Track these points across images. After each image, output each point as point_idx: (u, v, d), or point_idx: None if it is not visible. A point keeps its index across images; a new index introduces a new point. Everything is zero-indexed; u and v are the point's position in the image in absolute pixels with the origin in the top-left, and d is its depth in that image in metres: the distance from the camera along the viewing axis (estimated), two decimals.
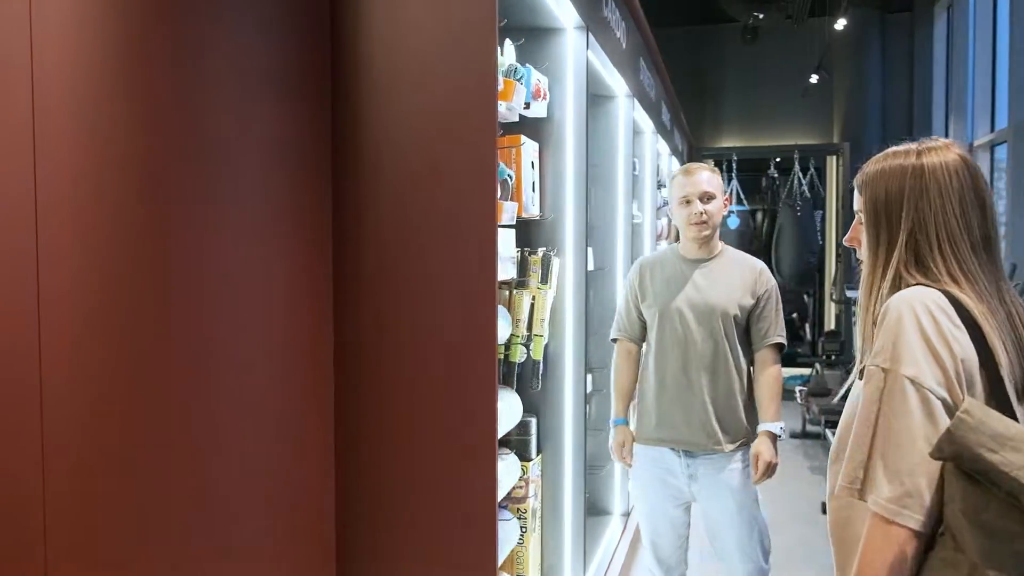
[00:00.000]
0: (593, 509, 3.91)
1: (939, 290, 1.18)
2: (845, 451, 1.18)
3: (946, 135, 8.59)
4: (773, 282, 2.69)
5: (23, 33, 1.24)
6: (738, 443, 2.63)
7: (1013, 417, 1.13)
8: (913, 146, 1.29)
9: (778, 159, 9.00)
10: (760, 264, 2.72)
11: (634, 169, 4.74)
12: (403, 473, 1.70)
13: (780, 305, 2.69)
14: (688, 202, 2.65)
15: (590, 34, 2.83)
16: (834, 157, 9.05)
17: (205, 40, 1.38)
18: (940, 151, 1.25)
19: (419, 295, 1.65)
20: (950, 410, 1.11)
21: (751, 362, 2.67)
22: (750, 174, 9.50)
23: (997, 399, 1.13)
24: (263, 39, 1.51)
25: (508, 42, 2.37)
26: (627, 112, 3.96)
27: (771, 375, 2.62)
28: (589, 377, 3.91)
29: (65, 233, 1.28)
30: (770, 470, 2.55)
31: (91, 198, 1.29)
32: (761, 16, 9.17)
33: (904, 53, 9.40)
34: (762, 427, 2.59)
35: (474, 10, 1.59)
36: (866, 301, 1.28)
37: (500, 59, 2.22)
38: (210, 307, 1.42)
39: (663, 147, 6.07)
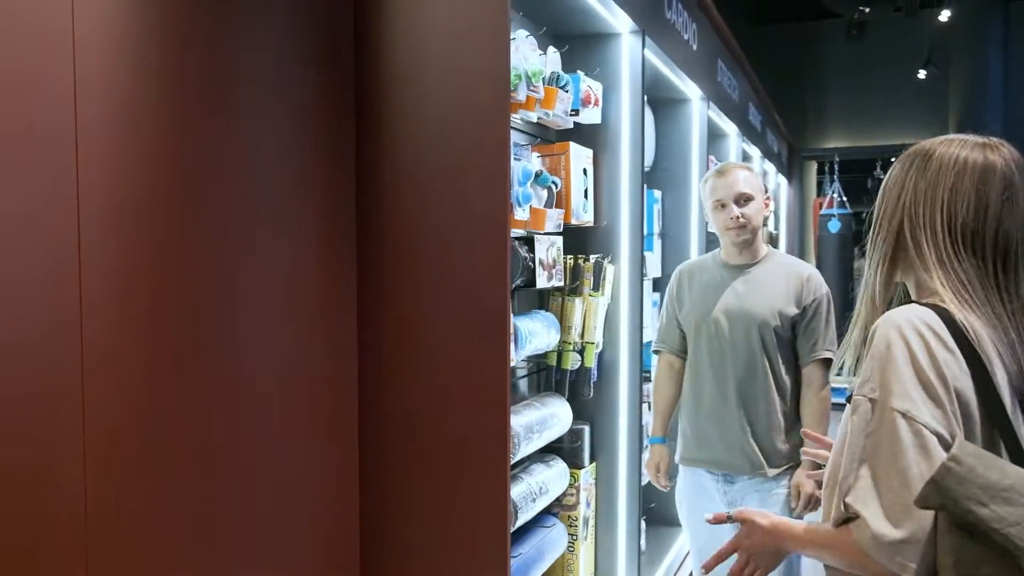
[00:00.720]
0: (662, 519, 3.83)
1: (930, 307, 1.10)
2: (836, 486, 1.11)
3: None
4: (824, 290, 2.46)
5: (66, 54, 1.33)
6: (782, 468, 2.43)
7: (1013, 437, 1.04)
8: (953, 136, 1.21)
9: (883, 159, 8.56)
10: (809, 269, 2.51)
11: None
12: (421, 477, 1.73)
13: (832, 316, 2.47)
14: (723, 205, 2.47)
15: (648, 38, 2.79)
16: None
17: (237, 51, 1.45)
18: (967, 146, 1.17)
19: (434, 301, 1.68)
20: (947, 446, 1.02)
21: (797, 379, 2.46)
22: (855, 175, 9.09)
23: (995, 420, 1.05)
24: (292, 49, 1.58)
25: (552, 49, 2.37)
26: (701, 115, 3.88)
27: (817, 395, 2.41)
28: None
29: (106, 241, 1.36)
30: (812, 503, 2.36)
31: (131, 209, 1.36)
32: (867, 10, 8.76)
33: None
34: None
35: (486, 15, 1.61)
36: (870, 306, 1.20)
37: (541, 67, 2.23)
38: (242, 313, 1.49)
39: (753, 150, 5.90)
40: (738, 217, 2.43)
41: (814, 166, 9.57)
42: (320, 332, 1.66)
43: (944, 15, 7.15)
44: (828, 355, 2.41)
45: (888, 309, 1.15)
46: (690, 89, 3.71)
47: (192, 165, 1.39)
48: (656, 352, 2.75)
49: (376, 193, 1.71)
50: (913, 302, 1.14)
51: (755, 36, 9.04)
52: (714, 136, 4.83)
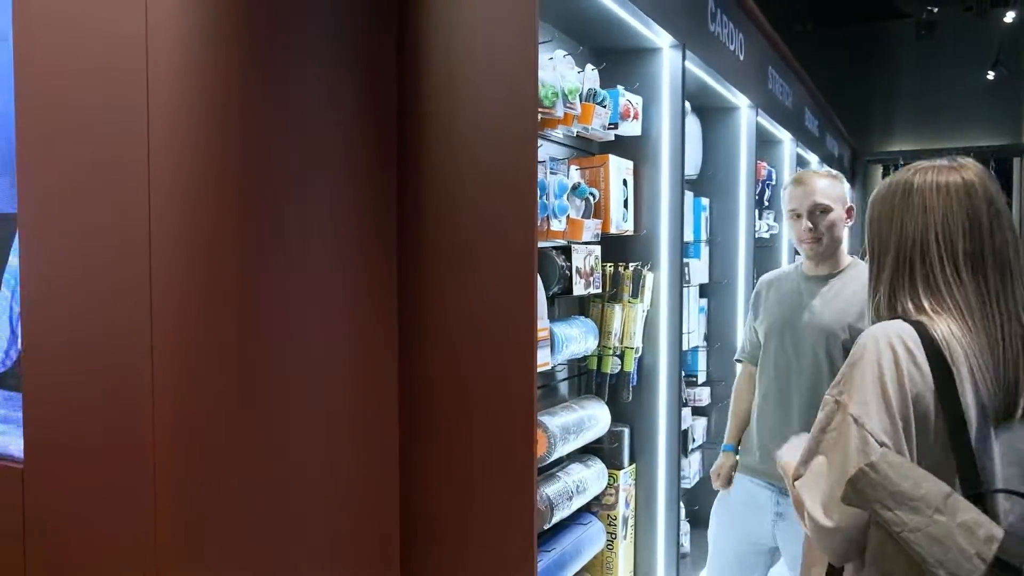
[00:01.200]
0: (705, 521, 3.88)
1: (911, 323, 1.17)
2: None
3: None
4: None
5: (141, 74, 1.48)
6: None
7: (968, 453, 1.11)
8: (923, 164, 1.28)
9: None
10: None
11: (769, 179, 4.65)
12: (454, 477, 1.86)
13: None
14: (798, 216, 2.38)
15: (689, 51, 2.87)
16: (1020, 159, 8.27)
17: (288, 67, 1.60)
18: (942, 171, 1.24)
19: (471, 310, 1.80)
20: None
21: None
22: None
23: (952, 435, 1.12)
24: (342, 77, 1.73)
25: (589, 67, 2.47)
26: (749, 123, 3.92)
27: None
28: (708, 391, 3.91)
29: (175, 242, 1.50)
30: None
31: (199, 215, 1.50)
32: (936, 10, 8.57)
33: None
34: None
35: (515, 32, 1.73)
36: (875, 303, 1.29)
37: (578, 84, 2.34)
38: (294, 316, 1.63)
39: (810, 156, 5.87)
40: (810, 229, 2.34)
41: (879, 170, 9.39)
42: (363, 338, 1.80)
43: (1009, 16, 6.95)
44: None
45: None
46: (737, 98, 3.75)
47: (250, 174, 1.53)
48: (738, 361, 2.72)
49: (414, 210, 1.85)
50: (899, 317, 1.21)
51: (821, 38, 8.93)
52: (767, 143, 4.85)
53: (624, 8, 2.46)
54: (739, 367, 2.74)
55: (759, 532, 2.46)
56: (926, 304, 1.19)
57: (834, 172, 2.51)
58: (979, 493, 1.09)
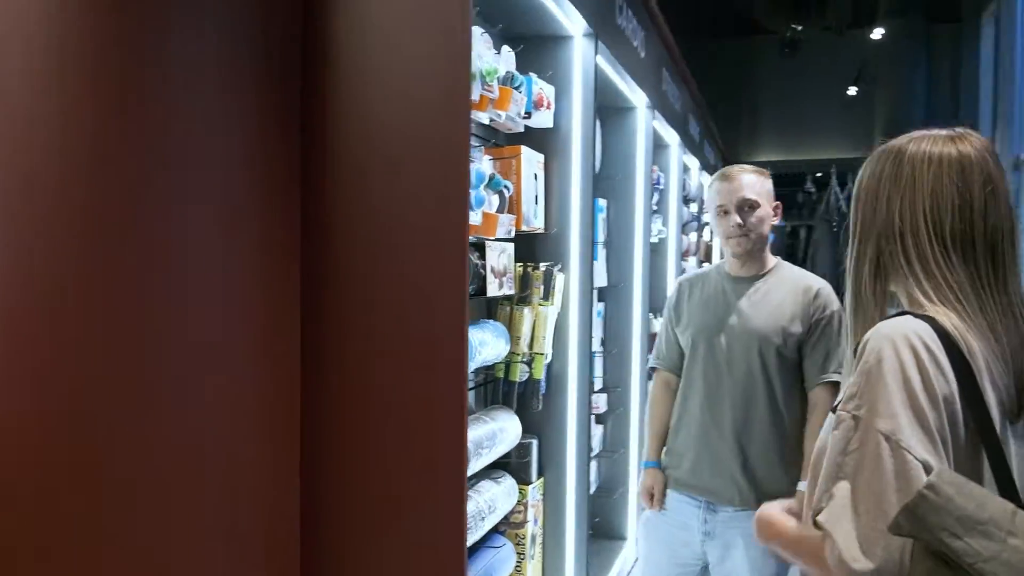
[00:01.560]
0: (606, 533, 3.77)
1: (925, 319, 1.04)
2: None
3: (993, 148, 8.30)
4: (835, 307, 2.21)
5: None
6: (772, 498, 2.23)
7: (1000, 455, 0.99)
8: (919, 133, 1.15)
9: (814, 173, 8.77)
10: (819, 284, 2.26)
11: (658, 183, 4.62)
12: (369, 488, 1.61)
13: (843, 336, 2.29)
14: (725, 212, 2.26)
15: (600, 42, 2.73)
16: None
17: (169, 30, 1.32)
18: (938, 141, 1.11)
19: (386, 303, 1.56)
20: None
21: (802, 406, 2.22)
22: (787, 189, 9.28)
23: (983, 437, 1.00)
24: (231, 29, 1.45)
25: (506, 49, 2.28)
26: (647, 124, 3.85)
27: (821, 423, 2.22)
28: (604, 397, 3.80)
29: (20, 231, 1.22)
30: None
31: (43, 194, 1.22)
32: (800, 28, 8.98)
33: (950, 64, 9.12)
34: (799, 486, 2.12)
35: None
36: (853, 317, 1.14)
37: (496, 66, 2.14)
38: (174, 304, 1.35)
39: (692, 161, 5.93)
40: (739, 225, 2.22)
41: None
42: (261, 339, 1.52)
43: (877, 32, 7.35)
44: (838, 378, 2.17)
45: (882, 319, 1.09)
46: (637, 97, 3.67)
47: (118, 153, 1.25)
48: (652, 369, 2.55)
49: (322, 190, 1.59)
50: (906, 312, 1.07)
51: (692, 49, 9.15)
52: (657, 146, 4.82)
53: None
54: (654, 376, 2.56)
55: (689, 552, 2.32)
56: (928, 291, 1.05)
57: (760, 168, 2.40)
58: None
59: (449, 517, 1.54)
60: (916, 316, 1.04)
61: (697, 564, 2.32)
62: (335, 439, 1.61)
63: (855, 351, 1.07)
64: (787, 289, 2.24)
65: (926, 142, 1.11)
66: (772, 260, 2.34)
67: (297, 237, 1.58)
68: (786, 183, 9.38)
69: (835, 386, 2.19)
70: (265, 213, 1.52)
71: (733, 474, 2.22)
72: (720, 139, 8.03)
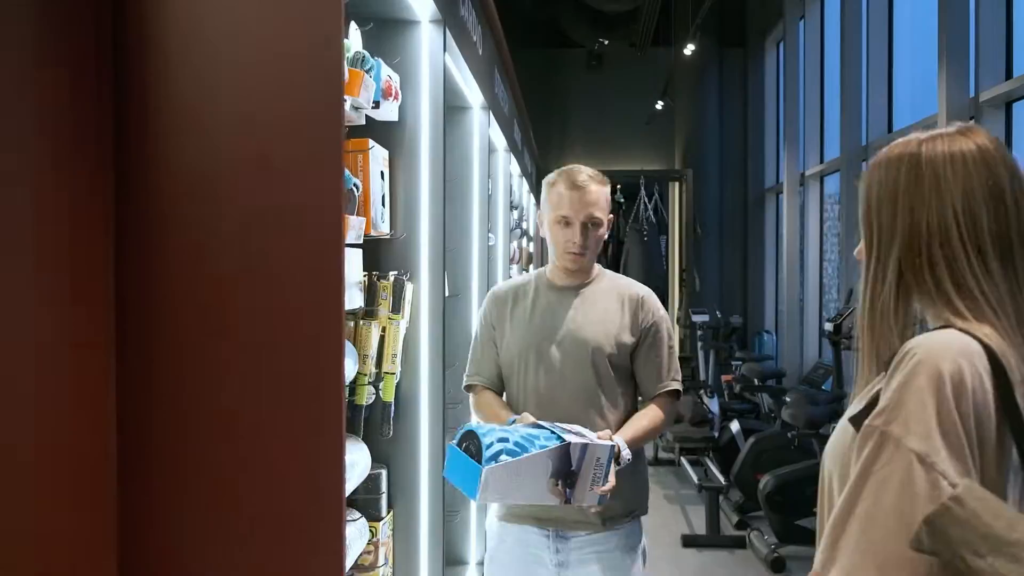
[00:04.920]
0: (448, 559, 3.53)
1: (972, 336, 0.91)
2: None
3: (778, 166, 9.02)
4: (661, 312, 2.18)
5: None
6: (622, 518, 2.11)
7: None
8: (924, 134, 1.03)
9: (623, 184, 9.07)
10: (644, 291, 2.21)
11: (488, 189, 4.47)
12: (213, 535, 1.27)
13: (672, 341, 2.21)
14: (568, 224, 2.13)
15: (448, 34, 2.51)
16: (677, 183, 9.23)
17: None
18: (952, 139, 1.00)
19: (242, 324, 1.23)
20: None
21: (633, 412, 2.16)
22: None
23: (1021, 453, 0.89)
24: None
25: (353, 25, 2.00)
26: (482, 126, 3.68)
27: (651, 412, 2.12)
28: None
29: None
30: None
31: None
32: (606, 43, 9.26)
33: (739, 85, 9.79)
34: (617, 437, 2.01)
35: None
36: (870, 334, 1.00)
37: (346, 44, 1.85)
38: None
39: (515, 167, 5.85)
40: (583, 243, 2.10)
41: None
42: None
43: (688, 48, 7.69)
44: (675, 386, 2.15)
45: (907, 337, 0.95)
46: (474, 96, 3.49)
47: None
48: (470, 387, 2.36)
49: (146, 194, 1.24)
50: (949, 326, 0.94)
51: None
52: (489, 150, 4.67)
53: None
54: (472, 395, 2.37)
55: None
56: (960, 308, 0.94)
57: (602, 176, 2.25)
58: None
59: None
60: (964, 332, 0.92)
61: None
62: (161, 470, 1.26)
63: (885, 362, 0.93)
64: (613, 297, 2.17)
65: (940, 142, 0.99)
66: (596, 268, 2.25)
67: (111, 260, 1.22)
68: None
69: (675, 394, 2.15)
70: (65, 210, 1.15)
71: None
72: (536, 149, 8.08)
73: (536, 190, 8.59)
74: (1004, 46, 4.67)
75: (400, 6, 2.32)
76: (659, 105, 8.94)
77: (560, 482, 1.79)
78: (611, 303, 2.16)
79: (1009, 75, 4.61)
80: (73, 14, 1.16)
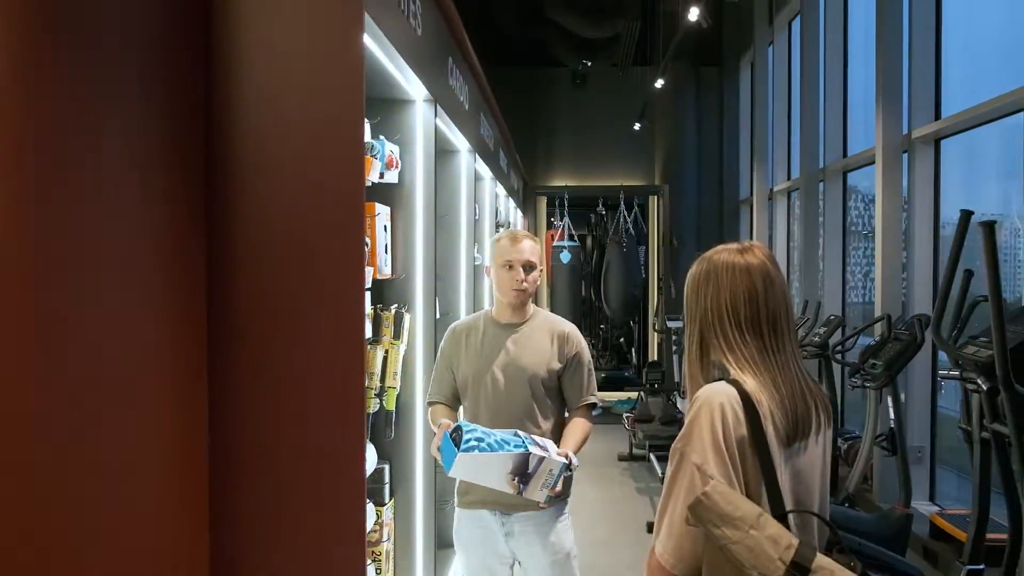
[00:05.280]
0: (439, 542, 4.08)
1: (732, 383, 1.49)
2: None
3: (751, 181, 9.59)
4: (583, 344, 2.77)
5: None
6: (554, 501, 2.57)
7: (773, 479, 1.45)
8: (722, 247, 1.60)
9: (604, 198, 9.63)
10: (569, 327, 2.76)
11: (475, 214, 5.03)
12: (275, 526, 1.83)
13: (591, 365, 2.79)
14: (511, 267, 2.68)
15: (438, 104, 3.06)
16: (656, 197, 9.81)
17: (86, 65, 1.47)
18: (732, 253, 1.57)
19: (292, 349, 1.80)
20: None
21: (559, 421, 2.72)
22: (580, 210, 10.11)
23: (763, 467, 1.46)
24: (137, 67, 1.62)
25: (364, 121, 2.55)
26: (469, 165, 4.23)
27: (579, 424, 2.70)
28: None
29: None
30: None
31: None
32: (589, 64, 9.81)
33: (716, 103, 10.35)
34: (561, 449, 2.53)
35: (343, 80, 1.79)
36: (689, 377, 1.60)
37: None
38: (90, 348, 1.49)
39: (500, 189, 6.41)
40: (523, 281, 2.67)
41: (544, 200, 10.45)
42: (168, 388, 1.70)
43: (659, 83, 8.26)
44: (592, 400, 2.74)
45: (711, 379, 1.52)
46: (462, 143, 4.04)
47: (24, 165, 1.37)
48: (431, 403, 2.80)
49: (231, 259, 1.80)
50: (722, 379, 1.51)
51: (494, 77, 9.70)
52: (474, 179, 5.23)
53: (389, 59, 2.56)
54: (431, 408, 2.79)
55: (497, 551, 2.71)
56: (730, 361, 1.50)
57: (534, 237, 2.86)
58: (783, 513, 1.42)
59: (350, 532, 1.80)
60: (727, 381, 1.49)
61: (508, 559, 2.73)
62: (240, 458, 1.82)
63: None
64: (545, 332, 2.72)
65: (724, 254, 1.56)
66: (532, 309, 2.79)
67: (203, 302, 1.77)
68: (581, 206, 10.22)
69: (591, 406, 2.74)
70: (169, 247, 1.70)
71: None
72: (522, 165, 8.63)
73: (522, 204, 9.17)
74: (934, 89, 5.24)
75: (400, 90, 2.87)
76: (637, 126, 9.50)
77: (517, 478, 2.38)
78: (543, 337, 2.71)
79: (939, 115, 5.19)
80: (182, 84, 1.72)
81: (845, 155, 6.90)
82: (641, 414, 6.85)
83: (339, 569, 1.80)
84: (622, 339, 11.54)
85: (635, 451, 6.98)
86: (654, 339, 9.74)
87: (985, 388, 2.59)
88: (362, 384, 1.78)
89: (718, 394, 1.46)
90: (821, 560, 1.35)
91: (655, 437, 6.30)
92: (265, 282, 1.80)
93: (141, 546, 1.59)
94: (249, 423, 1.80)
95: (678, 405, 7.21)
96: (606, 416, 8.40)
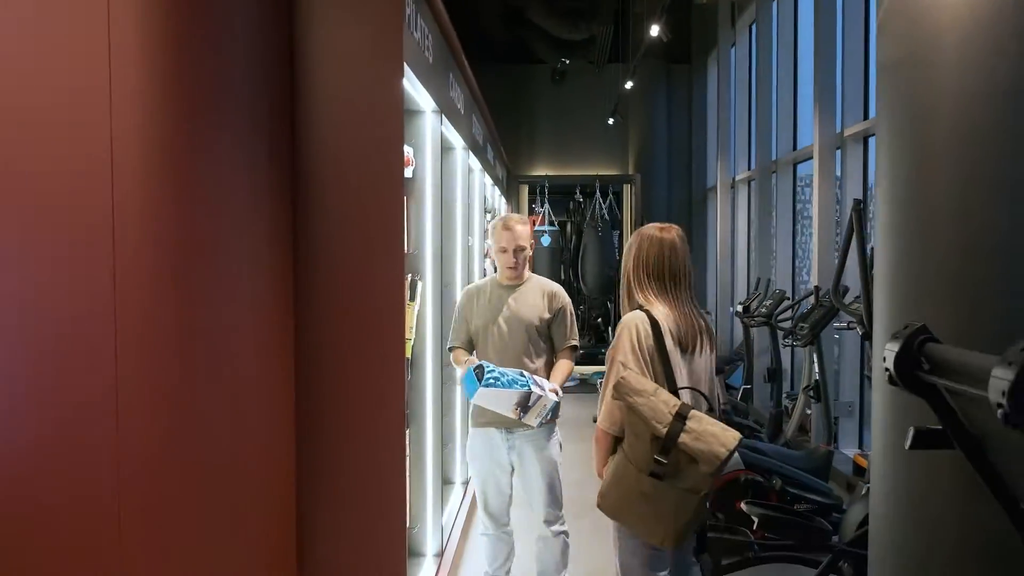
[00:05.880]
0: (442, 479, 4.86)
1: (643, 310, 2.28)
2: None
3: (717, 172, 10.42)
4: (566, 300, 3.56)
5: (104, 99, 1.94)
6: (545, 424, 3.37)
7: (669, 365, 2.25)
8: (654, 224, 2.41)
9: (582, 186, 10.42)
10: (556, 288, 3.56)
11: (468, 202, 5.79)
12: (340, 435, 2.60)
13: (573, 317, 3.57)
14: (504, 251, 3.47)
15: (443, 113, 3.81)
16: (629, 185, 10.63)
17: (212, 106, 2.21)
18: (653, 230, 2.37)
19: (357, 308, 2.56)
20: None
21: (549, 359, 3.50)
22: (560, 197, 10.90)
23: (662, 361, 2.25)
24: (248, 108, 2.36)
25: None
26: (463, 160, 4.98)
27: (564, 363, 3.51)
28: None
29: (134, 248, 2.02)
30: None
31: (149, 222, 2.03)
32: (567, 61, 10.56)
33: (684, 98, 11.14)
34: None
35: (388, 100, 2.55)
36: (622, 311, 2.39)
37: None
38: (222, 316, 2.23)
39: (488, 179, 7.17)
40: (515, 262, 3.48)
41: (526, 188, 11.25)
42: (268, 322, 2.45)
43: (628, 84, 9.04)
44: (574, 343, 3.55)
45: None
46: (458, 142, 4.79)
47: (183, 197, 2.11)
48: (452, 348, 3.63)
49: (308, 237, 2.56)
50: (638, 307, 2.31)
51: (480, 74, 10.42)
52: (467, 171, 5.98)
53: (407, 80, 3.30)
54: (452, 353, 3.63)
55: (500, 461, 3.52)
56: (647, 298, 2.30)
57: (525, 218, 3.66)
58: (674, 389, 2.23)
59: (393, 450, 2.57)
60: (641, 309, 2.28)
61: (508, 466, 3.53)
62: (321, 396, 2.58)
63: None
64: (537, 291, 3.53)
65: (649, 230, 2.36)
66: (527, 274, 3.59)
67: (290, 275, 2.53)
68: (560, 193, 11.01)
69: (572, 348, 3.53)
70: (267, 249, 2.46)
71: None
72: (505, 156, 9.39)
73: (505, 191, 9.94)
74: (863, 91, 6.04)
75: (414, 103, 3.62)
76: (611, 121, 10.30)
77: (519, 408, 3.19)
78: (536, 295, 3.52)
79: (867, 115, 6.00)
80: (275, 90, 2.47)
81: (795, 148, 7.71)
82: None
83: (384, 437, 2.58)
84: (599, 319, 12.31)
85: None
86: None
87: (860, 334, 3.40)
88: (403, 322, 2.54)
89: (635, 317, 2.27)
90: (696, 413, 2.15)
91: None
92: (334, 245, 2.56)
93: (257, 443, 2.36)
94: (325, 359, 2.56)
95: None
96: (583, 387, 9.21)
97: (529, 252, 3.57)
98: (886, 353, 1.51)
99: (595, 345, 12.23)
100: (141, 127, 1.69)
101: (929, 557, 1.61)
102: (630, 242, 2.42)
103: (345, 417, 2.59)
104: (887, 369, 1.53)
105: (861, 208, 3.30)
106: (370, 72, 2.57)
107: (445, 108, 3.93)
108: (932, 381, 1.33)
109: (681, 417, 2.13)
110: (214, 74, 2.05)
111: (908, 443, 1.41)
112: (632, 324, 2.28)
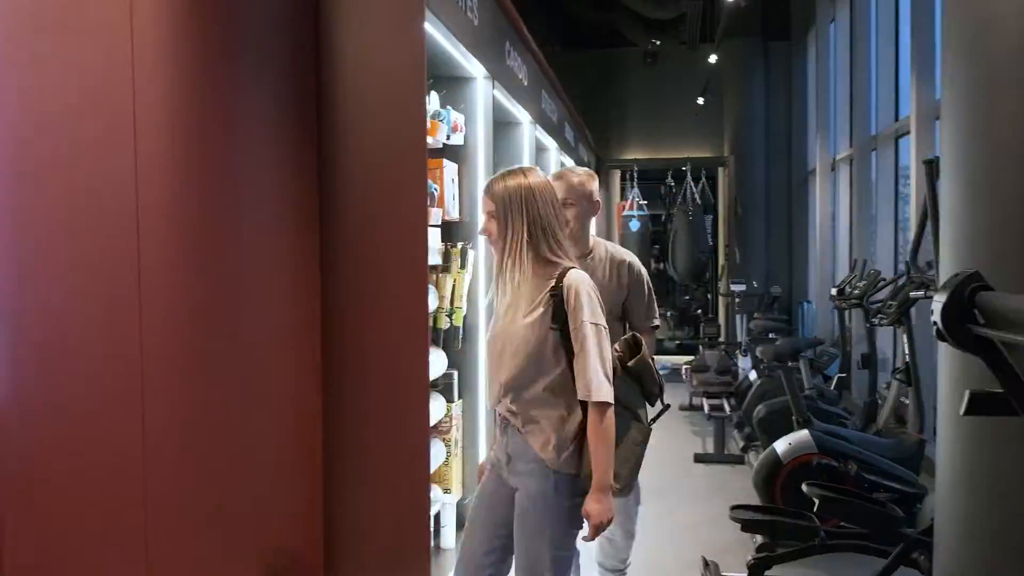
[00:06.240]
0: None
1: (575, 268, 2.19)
2: None
3: (816, 152, 9.93)
4: (643, 272, 2.92)
5: (128, 98, 2.02)
6: None
7: None
8: (516, 168, 2.30)
9: (675, 170, 10.15)
10: (630, 257, 2.93)
11: None
12: (367, 404, 2.58)
13: (652, 291, 2.95)
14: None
15: (496, 80, 3.75)
16: (723, 168, 10.27)
17: (237, 86, 2.23)
18: (534, 173, 2.25)
19: (379, 278, 2.53)
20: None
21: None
22: (651, 182, 10.65)
23: None
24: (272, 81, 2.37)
25: (434, 92, 3.27)
26: (530, 135, 4.91)
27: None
28: None
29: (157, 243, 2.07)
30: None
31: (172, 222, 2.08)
32: (658, 42, 10.30)
33: (784, 77, 10.67)
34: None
35: (410, 74, 2.50)
36: (505, 271, 2.21)
37: (429, 103, 3.13)
38: (245, 305, 2.25)
39: (568, 160, 7.07)
40: (567, 221, 2.70)
41: (618, 173, 11.05)
42: (294, 306, 2.46)
43: (712, 58, 8.72)
44: (656, 322, 2.97)
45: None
46: (522, 115, 4.72)
47: (206, 190, 2.14)
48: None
49: (334, 208, 2.55)
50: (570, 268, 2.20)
51: (569, 60, 10.33)
52: (538, 150, 5.90)
53: (452, 45, 3.25)
54: None
55: None
56: (561, 252, 2.22)
57: (578, 173, 2.93)
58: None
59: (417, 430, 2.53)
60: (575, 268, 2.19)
61: None
62: (347, 357, 2.57)
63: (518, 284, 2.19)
64: (608, 262, 2.89)
65: (532, 176, 2.28)
66: (592, 240, 2.93)
67: (316, 252, 2.53)
68: (651, 178, 10.76)
69: (654, 329, 2.96)
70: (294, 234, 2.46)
71: None
72: (593, 141, 9.24)
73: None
74: None
75: (462, 69, 3.57)
76: (700, 100, 9.97)
77: None
78: (608, 267, 2.87)
79: None
80: (301, 70, 2.47)
81: (896, 119, 7.23)
82: (698, 364, 7.42)
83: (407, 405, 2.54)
84: (699, 310, 11.82)
85: (693, 401, 7.55)
86: (721, 302, 10.22)
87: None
88: (425, 281, 2.50)
89: (581, 275, 2.19)
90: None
91: (708, 384, 6.87)
92: (359, 213, 2.54)
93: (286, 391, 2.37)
94: (348, 320, 2.55)
95: (739, 360, 7.72)
96: (673, 375, 8.97)
97: (592, 212, 2.94)
98: (933, 305, 1.30)
99: (694, 337, 11.82)
100: (165, 98, 1.79)
101: (1001, 532, 1.42)
102: (506, 183, 2.24)
103: (370, 397, 2.57)
104: (934, 323, 1.34)
105: (934, 166, 3.02)
106: (387, 22, 2.52)
107: (500, 77, 3.87)
108: (985, 334, 1.16)
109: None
110: (239, 32, 2.07)
111: (963, 408, 1.22)
112: (585, 284, 2.14)
